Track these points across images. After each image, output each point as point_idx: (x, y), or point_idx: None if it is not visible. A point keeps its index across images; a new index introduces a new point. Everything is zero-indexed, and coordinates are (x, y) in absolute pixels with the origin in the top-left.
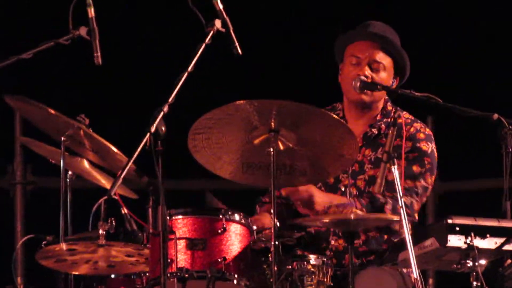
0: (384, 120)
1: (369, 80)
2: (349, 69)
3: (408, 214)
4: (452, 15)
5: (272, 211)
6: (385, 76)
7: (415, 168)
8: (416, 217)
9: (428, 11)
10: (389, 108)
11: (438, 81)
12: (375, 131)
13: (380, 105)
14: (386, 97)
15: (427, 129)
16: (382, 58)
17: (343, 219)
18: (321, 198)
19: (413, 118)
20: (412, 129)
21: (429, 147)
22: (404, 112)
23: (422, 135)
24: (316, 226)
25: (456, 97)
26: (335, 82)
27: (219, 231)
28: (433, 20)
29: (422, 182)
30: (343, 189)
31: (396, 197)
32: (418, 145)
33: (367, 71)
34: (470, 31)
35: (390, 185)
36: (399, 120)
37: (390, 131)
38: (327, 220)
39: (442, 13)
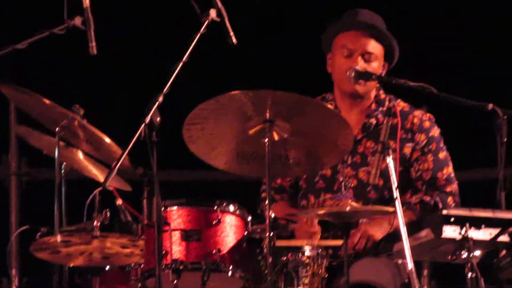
0: (380, 109)
1: (363, 70)
2: (342, 61)
3: (457, 202)
4: (447, 3)
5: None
6: (377, 65)
7: (442, 156)
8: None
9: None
10: (382, 96)
11: (432, 70)
12: (373, 121)
13: (373, 94)
14: (377, 85)
15: (427, 114)
16: (374, 47)
17: (338, 211)
18: (377, 230)
19: (408, 105)
20: (415, 120)
21: (437, 130)
22: (399, 100)
23: (427, 123)
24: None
25: (451, 87)
26: (324, 72)
27: (214, 222)
28: (427, 9)
29: (451, 164)
30: (341, 179)
31: (443, 191)
32: (430, 134)
33: (360, 63)
34: (466, 21)
35: (430, 182)
36: (393, 109)
37: (385, 121)
38: (322, 212)
39: (436, 1)
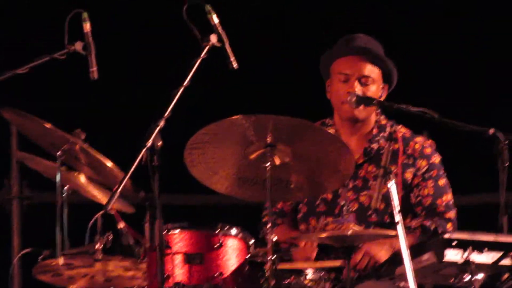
0: (381, 134)
1: (364, 95)
2: (338, 86)
3: (456, 228)
4: (447, 27)
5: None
6: (375, 89)
7: (442, 183)
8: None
9: (422, 25)
10: (384, 121)
11: (433, 94)
12: (374, 146)
13: (373, 118)
14: (378, 110)
15: (429, 140)
16: (371, 71)
17: (340, 235)
18: (380, 250)
19: (410, 131)
20: (417, 146)
21: (438, 157)
22: (400, 126)
23: (429, 150)
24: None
25: (452, 111)
26: (323, 97)
27: (216, 245)
28: (428, 33)
29: (450, 191)
30: (342, 203)
31: (442, 217)
32: (431, 161)
33: (357, 88)
34: (467, 43)
35: (430, 208)
36: (394, 135)
37: (386, 146)
38: (324, 236)
39: (437, 26)
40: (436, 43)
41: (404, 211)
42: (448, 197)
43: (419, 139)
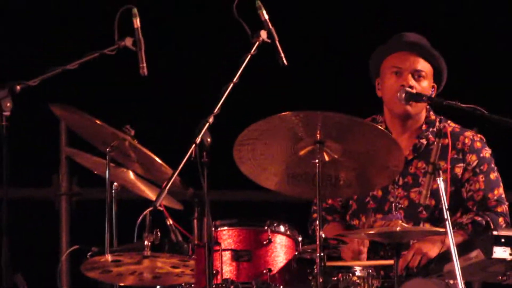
0: (430, 129)
1: (414, 91)
2: (391, 81)
3: (508, 222)
4: (487, 23)
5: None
6: (427, 85)
7: (493, 176)
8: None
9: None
10: (433, 117)
11: (483, 90)
12: (423, 141)
13: (423, 115)
14: (427, 107)
15: (478, 135)
16: (423, 66)
17: (389, 231)
18: (431, 247)
19: (459, 126)
20: (467, 140)
21: (488, 151)
22: (449, 121)
23: (478, 144)
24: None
25: (499, 108)
26: (374, 93)
27: (265, 242)
28: (477, 31)
29: (501, 185)
30: (391, 199)
31: (494, 211)
32: (482, 155)
33: (411, 81)
34: None
35: (481, 202)
36: (444, 130)
37: (435, 142)
38: (373, 232)
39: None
40: (481, 40)
41: (455, 207)
42: (500, 191)
43: (468, 133)
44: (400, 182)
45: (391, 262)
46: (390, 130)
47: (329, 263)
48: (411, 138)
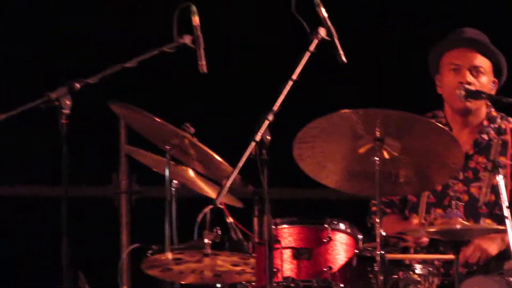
0: (492, 125)
1: (472, 87)
2: (450, 77)
3: None
4: None
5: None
6: (486, 81)
7: None
8: None
9: None
10: (494, 114)
11: None
12: (485, 136)
13: (483, 110)
14: (488, 103)
15: None
16: (482, 61)
17: (449, 229)
18: (491, 244)
19: None
20: None
21: None
22: (509, 118)
23: None
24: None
25: None
26: (434, 89)
27: (325, 240)
28: None
29: None
30: (451, 194)
31: None
32: None
33: (469, 77)
34: None
35: None
36: (504, 126)
37: (495, 140)
38: (433, 230)
39: None
40: None
41: None
42: None
43: None
44: (461, 177)
45: (451, 256)
46: (450, 125)
47: (389, 256)
48: (472, 134)
